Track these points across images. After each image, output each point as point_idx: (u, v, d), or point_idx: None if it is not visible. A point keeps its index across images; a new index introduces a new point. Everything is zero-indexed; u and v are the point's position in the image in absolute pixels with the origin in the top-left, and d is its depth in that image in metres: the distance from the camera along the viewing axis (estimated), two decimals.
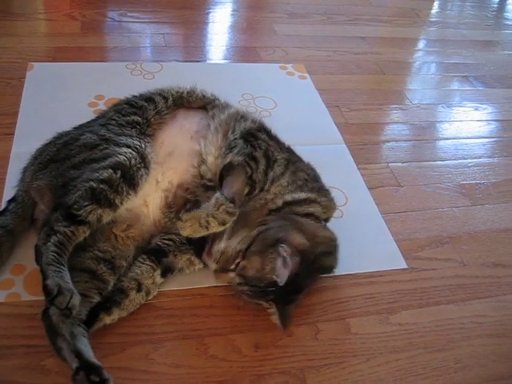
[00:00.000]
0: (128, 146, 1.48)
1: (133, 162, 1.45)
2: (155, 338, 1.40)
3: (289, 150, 1.66)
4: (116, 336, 1.38)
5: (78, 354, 1.23)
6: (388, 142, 2.28)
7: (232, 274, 1.43)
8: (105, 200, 1.39)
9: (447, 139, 2.38)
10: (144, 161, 1.48)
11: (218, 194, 1.41)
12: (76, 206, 1.36)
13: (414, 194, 2.02)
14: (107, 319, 1.36)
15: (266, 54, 2.68)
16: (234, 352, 1.40)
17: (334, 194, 1.87)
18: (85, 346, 1.26)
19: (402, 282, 1.67)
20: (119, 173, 1.42)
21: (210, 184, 1.53)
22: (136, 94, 1.73)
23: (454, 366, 1.48)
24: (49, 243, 1.32)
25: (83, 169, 1.44)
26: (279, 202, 1.51)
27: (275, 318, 1.43)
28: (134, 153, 1.47)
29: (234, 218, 1.40)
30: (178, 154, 1.58)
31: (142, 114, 1.61)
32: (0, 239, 1.46)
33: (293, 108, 2.30)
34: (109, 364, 1.31)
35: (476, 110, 2.62)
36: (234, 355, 1.40)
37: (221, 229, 1.40)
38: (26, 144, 1.66)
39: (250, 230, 1.45)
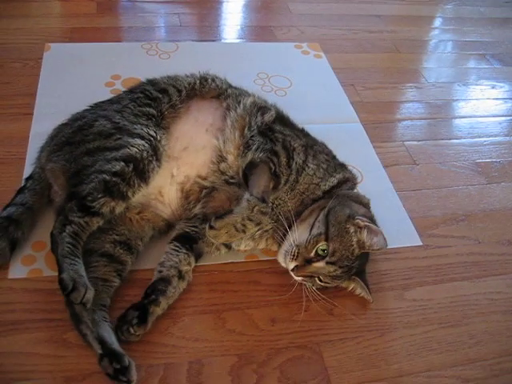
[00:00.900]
0: (142, 137, 1.48)
1: (144, 154, 1.45)
2: (174, 313, 1.42)
3: (304, 134, 1.67)
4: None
5: (101, 341, 1.27)
6: (403, 120, 2.28)
7: (319, 264, 1.41)
8: (117, 193, 1.41)
9: (463, 117, 2.37)
10: (156, 153, 1.49)
11: (247, 196, 1.42)
12: (90, 198, 1.38)
13: (429, 172, 2.02)
14: (158, 310, 1.37)
15: (281, 32, 2.67)
16: (252, 326, 1.43)
17: None
18: (107, 332, 1.30)
19: (416, 259, 1.68)
20: (131, 166, 1.43)
21: (232, 181, 1.54)
22: (151, 78, 1.73)
23: (469, 341, 1.50)
24: (64, 233, 1.35)
25: (96, 156, 1.45)
26: (319, 193, 1.53)
27: (359, 292, 1.49)
28: (146, 145, 1.47)
29: (268, 217, 1.44)
30: (193, 148, 1.58)
31: (156, 107, 1.60)
32: (21, 216, 1.49)
33: (308, 87, 2.30)
34: None
35: (493, 88, 2.60)
36: (252, 329, 1.42)
37: (256, 229, 1.44)
38: (45, 124, 1.68)
39: (312, 212, 1.48)
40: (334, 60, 2.50)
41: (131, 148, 1.44)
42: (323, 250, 1.40)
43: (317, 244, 1.40)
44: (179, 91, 1.64)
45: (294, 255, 1.41)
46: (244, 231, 1.40)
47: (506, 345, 1.51)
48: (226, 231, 1.39)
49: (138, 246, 1.51)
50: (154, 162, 1.47)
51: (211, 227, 1.40)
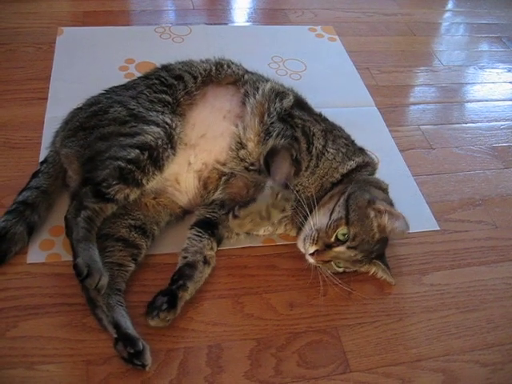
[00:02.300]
0: (157, 125, 1.47)
1: (159, 142, 1.44)
2: (193, 298, 1.42)
3: (322, 119, 1.66)
4: (153, 295, 1.39)
5: (116, 326, 1.28)
6: (419, 104, 2.26)
7: (340, 248, 1.40)
8: (132, 180, 1.41)
9: (479, 101, 2.35)
10: (171, 141, 1.48)
11: (270, 183, 1.41)
12: (105, 184, 1.38)
13: (445, 157, 2.01)
14: (186, 295, 1.37)
15: (295, 16, 2.65)
16: (270, 310, 1.43)
17: None
18: (122, 317, 1.30)
19: (434, 244, 1.68)
20: (146, 153, 1.42)
21: (252, 168, 1.54)
22: (166, 64, 1.71)
23: (487, 325, 1.50)
24: (79, 218, 1.36)
25: (111, 142, 1.45)
26: (337, 176, 1.53)
27: (380, 275, 1.50)
28: (161, 132, 1.46)
29: (292, 203, 1.43)
30: (211, 135, 1.56)
31: (172, 94, 1.58)
32: (36, 200, 1.49)
33: (323, 70, 2.28)
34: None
35: (509, 71, 2.57)
36: (270, 313, 1.43)
37: (280, 216, 1.43)
38: (60, 108, 1.67)
39: (332, 196, 1.48)
40: (348, 43, 2.48)
41: (146, 136, 1.44)
42: (344, 235, 1.40)
43: (337, 228, 1.40)
44: (195, 78, 1.62)
45: (313, 239, 1.41)
46: (269, 218, 1.39)
47: None
48: (250, 220, 1.38)
49: (154, 231, 1.51)
50: (168, 150, 1.47)
51: (235, 216, 1.39)
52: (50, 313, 1.35)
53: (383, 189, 1.55)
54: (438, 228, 1.73)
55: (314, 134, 1.55)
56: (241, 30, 2.53)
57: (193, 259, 1.43)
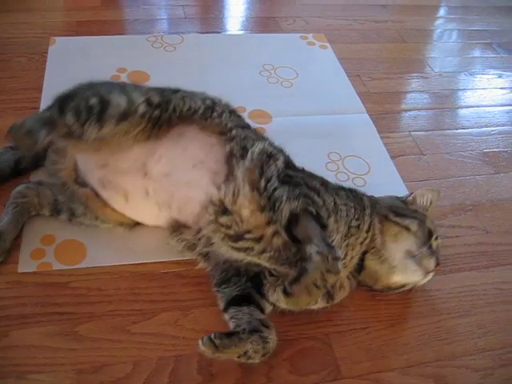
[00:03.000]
0: (129, 99, 1.41)
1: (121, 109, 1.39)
2: (183, 305, 1.43)
3: (309, 173, 1.54)
4: (145, 303, 1.42)
5: None
6: (410, 110, 2.27)
7: (437, 241, 1.47)
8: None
9: (470, 107, 2.36)
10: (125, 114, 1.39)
11: (315, 248, 1.25)
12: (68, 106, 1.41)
13: (436, 163, 2.02)
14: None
15: (286, 24, 2.66)
16: None
17: (357, 163, 1.90)
18: None
19: None
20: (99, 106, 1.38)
21: (248, 237, 1.39)
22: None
23: (478, 331, 1.50)
24: None
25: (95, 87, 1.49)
26: (365, 229, 1.46)
27: None
28: (125, 103, 1.40)
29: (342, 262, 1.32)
30: (175, 179, 1.43)
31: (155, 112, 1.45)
32: None
33: (314, 78, 2.30)
34: (139, 330, 1.36)
35: (499, 77, 2.58)
36: None
37: (337, 279, 1.33)
38: None
39: (381, 230, 1.47)
40: (339, 51, 2.49)
41: (112, 98, 1.41)
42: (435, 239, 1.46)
43: (430, 239, 1.45)
44: (174, 110, 1.48)
45: (422, 265, 1.44)
46: (325, 285, 1.26)
47: None
48: (306, 293, 1.25)
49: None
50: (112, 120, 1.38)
51: (289, 294, 1.26)
52: (42, 322, 1.35)
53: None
54: None
55: (319, 191, 1.43)
56: (232, 39, 2.54)
57: (252, 326, 1.30)
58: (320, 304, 1.41)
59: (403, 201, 1.56)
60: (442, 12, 3.12)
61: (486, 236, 1.78)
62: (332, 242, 1.34)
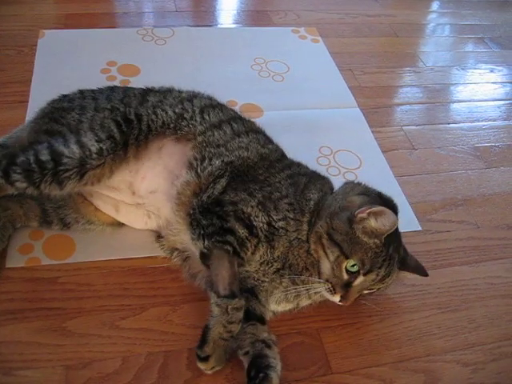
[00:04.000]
0: (81, 147, 1.37)
1: (68, 161, 1.36)
2: (172, 301, 1.42)
3: (260, 180, 1.42)
4: (134, 298, 1.41)
5: None
6: (402, 105, 2.26)
7: (358, 279, 1.30)
8: (30, 178, 1.35)
9: (461, 102, 2.36)
10: (81, 168, 1.37)
11: (215, 300, 1.26)
12: (14, 168, 1.35)
13: (428, 157, 2.02)
14: None
15: (278, 17, 2.65)
16: None
17: (348, 157, 1.90)
18: None
19: (416, 244, 1.67)
20: (52, 164, 1.35)
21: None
22: (149, 88, 1.60)
23: (468, 325, 1.50)
24: None
25: (49, 138, 1.41)
26: (303, 236, 1.37)
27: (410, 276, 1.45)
28: (77, 155, 1.36)
29: (244, 308, 1.29)
30: (161, 196, 1.46)
31: (124, 132, 1.43)
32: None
33: (306, 72, 2.29)
34: (129, 325, 1.35)
35: (491, 71, 2.58)
36: None
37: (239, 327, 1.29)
38: None
39: (316, 249, 1.35)
40: (331, 45, 2.48)
41: (65, 149, 1.37)
42: (352, 266, 1.29)
43: (341, 266, 1.30)
44: (148, 127, 1.46)
45: (331, 290, 1.32)
46: (231, 332, 1.25)
47: (506, 329, 1.51)
48: (216, 349, 1.25)
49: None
50: (72, 173, 1.37)
51: (201, 359, 1.25)
52: (29, 317, 1.34)
53: (348, 190, 1.43)
54: (420, 228, 1.73)
55: (250, 215, 1.35)
56: (224, 32, 2.52)
57: (256, 350, 1.29)
58: (304, 302, 1.42)
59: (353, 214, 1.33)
60: (434, 6, 3.11)
61: (477, 230, 1.78)
62: (266, 266, 1.37)
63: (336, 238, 1.31)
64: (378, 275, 1.31)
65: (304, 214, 1.37)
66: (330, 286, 1.32)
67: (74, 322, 1.34)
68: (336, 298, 1.33)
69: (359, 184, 1.47)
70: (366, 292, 1.36)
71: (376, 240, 1.29)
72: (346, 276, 1.30)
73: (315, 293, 1.37)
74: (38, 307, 1.36)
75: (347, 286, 1.31)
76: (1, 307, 1.35)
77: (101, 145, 1.38)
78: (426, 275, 1.45)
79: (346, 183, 1.49)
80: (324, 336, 1.41)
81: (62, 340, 1.31)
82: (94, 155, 1.37)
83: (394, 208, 1.37)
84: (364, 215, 1.28)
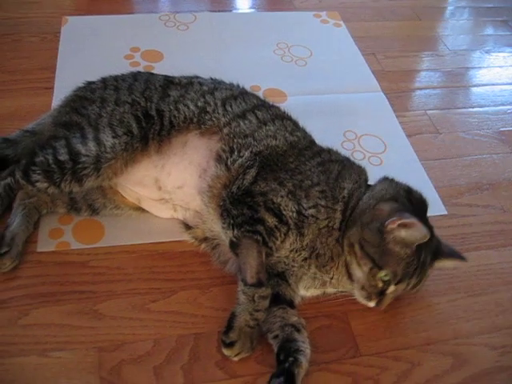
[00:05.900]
0: (98, 144, 1.39)
1: (86, 159, 1.39)
2: (201, 284, 1.44)
3: (291, 169, 1.42)
4: (163, 282, 1.43)
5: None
6: (425, 89, 2.25)
7: (391, 288, 1.31)
8: (51, 178, 1.39)
9: (486, 85, 2.33)
10: (97, 163, 1.39)
11: (242, 287, 1.28)
12: (34, 168, 1.40)
13: (452, 141, 2.00)
14: (302, 371, 1.24)
15: (300, 1, 2.63)
16: None
17: (373, 141, 1.89)
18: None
19: (442, 228, 1.65)
20: (71, 163, 1.38)
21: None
22: (170, 78, 1.58)
23: (495, 309, 1.50)
24: (2, 182, 1.50)
25: (68, 133, 1.44)
26: (337, 225, 1.37)
27: (448, 264, 1.43)
28: (93, 152, 1.39)
29: (270, 298, 1.31)
30: (188, 191, 1.47)
31: (143, 127, 1.44)
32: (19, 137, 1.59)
33: (328, 56, 2.28)
34: (159, 308, 1.37)
35: None
36: None
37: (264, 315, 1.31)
38: None
39: (349, 253, 1.35)
40: (353, 29, 2.47)
41: (83, 148, 1.39)
42: (386, 276, 1.29)
43: (375, 276, 1.30)
44: (171, 123, 1.47)
45: (366, 297, 1.34)
46: (257, 320, 1.27)
47: None
48: (241, 336, 1.26)
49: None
50: (89, 170, 1.39)
51: (227, 345, 1.27)
52: (62, 300, 1.36)
53: (382, 194, 1.38)
54: (446, 212, 1.73)
55: (280, 205, 1.35)
56: (245, 17, 2.52)
57: (286, 334, 1.30)
58: (330, 291, 1.43)
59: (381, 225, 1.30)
60: None
61: (503, 215, 1.77)
62: (295, 254, 1.37)
63: (368, 251, 1.31)
64: (408, 285, 1.33)
65: (337, 201, 1.37)
66: (365, 293, 1.34)
67: (105, 305, 1.36)
68: (372, 304, 1.34)
69: (391, 182, 1.44)
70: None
71: (407, 250, 1.28)
72: (380, 284, 1.31)
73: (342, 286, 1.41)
74: (69, 290, 1.39)
75: (381, 293, 1.33)
76: (33, 290, 1.37)
77: (116, 140, 1.41)
78: (464, 259, 1.42)
79: (380, 181, 1.45)
80: (352, 319, 1.41)
81: (94, 322, 1.33)
82: (109, 149, 1.40)
83: (423, 204, 1.39)
84: (394, 226, 1.27)
